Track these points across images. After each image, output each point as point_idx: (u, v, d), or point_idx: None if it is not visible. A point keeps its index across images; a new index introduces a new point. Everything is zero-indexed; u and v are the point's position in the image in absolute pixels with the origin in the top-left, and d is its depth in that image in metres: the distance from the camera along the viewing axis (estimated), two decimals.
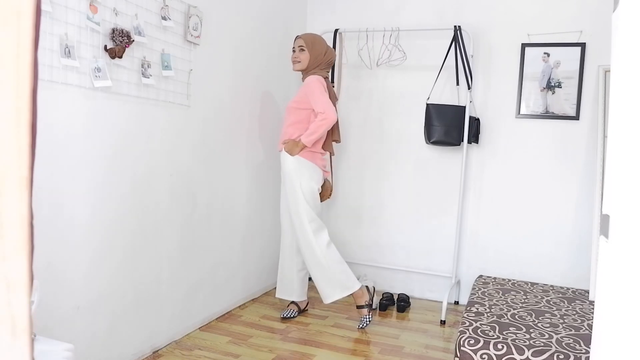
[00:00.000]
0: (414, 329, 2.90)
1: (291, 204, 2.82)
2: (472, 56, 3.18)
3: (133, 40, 2.08)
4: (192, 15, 2.44)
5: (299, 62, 2.86)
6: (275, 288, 3.51)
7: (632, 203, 0.85)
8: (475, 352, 1.96)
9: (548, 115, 3.15)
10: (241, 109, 2.97)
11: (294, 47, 2.90)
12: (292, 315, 2.97)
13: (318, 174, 2.86)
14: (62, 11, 1.78)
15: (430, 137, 3.19)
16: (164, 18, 2.27)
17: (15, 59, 0.44)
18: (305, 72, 2.90)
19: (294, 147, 2.77)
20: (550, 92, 3.14)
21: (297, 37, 2.92)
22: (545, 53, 3.13)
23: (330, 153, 3.00)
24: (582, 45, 3.06)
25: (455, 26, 3.15)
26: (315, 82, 2.77)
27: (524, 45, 3.17)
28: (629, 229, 0.85)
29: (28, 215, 0.45)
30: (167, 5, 2.29)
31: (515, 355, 1.91)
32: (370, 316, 2.87)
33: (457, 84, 3.26)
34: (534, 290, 2.79)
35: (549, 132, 3.16)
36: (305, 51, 2.86)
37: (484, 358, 1.95)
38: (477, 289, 2.76)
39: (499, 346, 1.95)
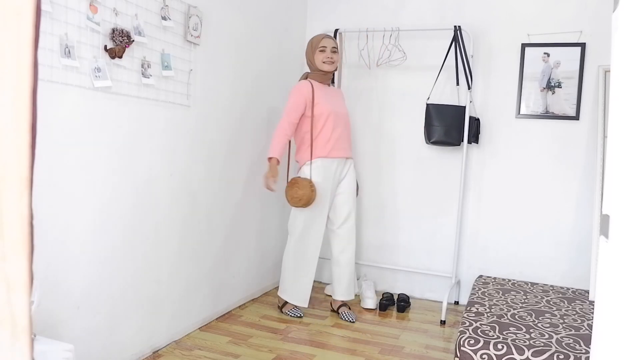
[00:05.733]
0: (414, 329, 2.90)
1: (354, 203, 3.02)
2: (472, 56, 3.18)
3: (133, 40, 2.08)
4: (192, 15, 2.44)
5: (334, 62, 2.88)
6: (275, 288, 3.51)
7: (632, 203, 0.85)
8: (475, 352, 1.96)
9: (548, 115, 3.15)
10: (241, 108, 2.97)
11: (324, 47, 2.86)
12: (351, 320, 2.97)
13: None
14: (62, 11, 1.78)
15: (430, 137, 3.19)
16: (164, 18, 2.27)
17: (15, 59, 0.44)
18: (330, 75, 2.94)
19: None
20: (550, 92, 3.13)
21: (326, 37, 2.89)
22: (545, 53, 3.13)
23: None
24: (582, 45, 3.06)
25: (455, 26, 3.15)
26: None
27: (524, 45, 3.17)
28: (629, 229, 0.85)
29: (28, 215, 0.45)
30: (167, 5, 2.29)
31: (515, 355, 1.92)
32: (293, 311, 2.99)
33: (457, 84, 3.26)
34: (534, 291, 2.79)
35: (549, 132, 3.16)
36: (337, 53, 2.90)
37: (484, 358, 1.95)
38: (477, 289, 2.76)
39: (499, 346, 1.95)
